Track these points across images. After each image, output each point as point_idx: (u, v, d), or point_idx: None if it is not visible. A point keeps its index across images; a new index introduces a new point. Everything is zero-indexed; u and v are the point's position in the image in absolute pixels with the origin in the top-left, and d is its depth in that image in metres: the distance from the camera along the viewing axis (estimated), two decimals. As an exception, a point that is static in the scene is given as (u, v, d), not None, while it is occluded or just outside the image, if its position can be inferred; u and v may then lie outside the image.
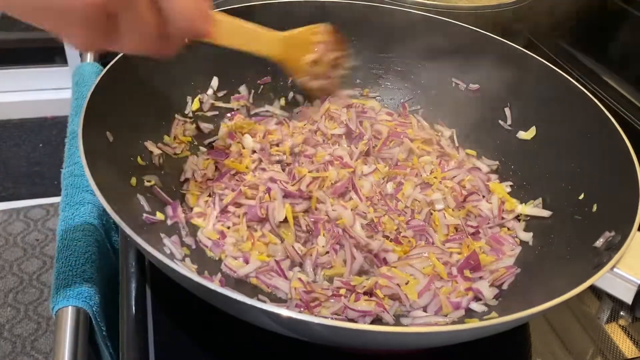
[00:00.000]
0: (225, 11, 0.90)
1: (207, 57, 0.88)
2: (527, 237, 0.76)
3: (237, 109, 0.93)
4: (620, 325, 0.72)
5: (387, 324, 0.65)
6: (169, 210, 0.74)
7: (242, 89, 0.94)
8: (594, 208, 0.69)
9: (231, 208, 0.77)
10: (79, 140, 0.63)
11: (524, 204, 0.80)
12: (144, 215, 0.70)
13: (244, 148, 0.85)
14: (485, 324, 0.50)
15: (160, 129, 0.83)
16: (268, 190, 0.76)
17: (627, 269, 0.56)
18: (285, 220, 0.74)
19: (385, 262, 0.72)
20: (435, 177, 0.83)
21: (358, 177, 0.82)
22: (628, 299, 0.57)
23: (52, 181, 2.40)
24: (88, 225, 0.83)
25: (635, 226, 0.59)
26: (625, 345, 0.69)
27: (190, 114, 0.87)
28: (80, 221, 0.83)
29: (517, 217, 0.80)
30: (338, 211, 0.75)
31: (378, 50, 0.98)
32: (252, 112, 0.95)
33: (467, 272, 0.71)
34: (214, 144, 0.87)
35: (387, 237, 0.75)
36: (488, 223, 0.79)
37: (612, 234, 0.62)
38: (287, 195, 0.76)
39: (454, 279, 0.70)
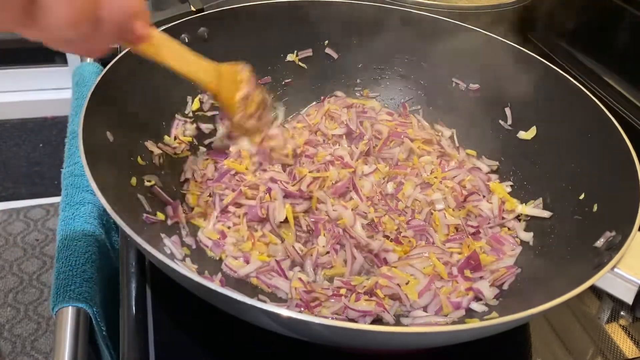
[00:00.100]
0: (231, 9, 0.90)
1: (206, 56, 0.88)
2: (528, 237, 0.76)
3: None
4: (620, 325, 0.72)
5: (387, 323, 0.65)
6: (169, 210, 0.74)
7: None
8: (595, 208, 0.69)
9: (231, 208, 0.76)
10: (79, 140, 0.63)
11: (524, 204, 0.80)
12: (144, 215, 0.70)
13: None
14: (485, 324, 0.50)
15: (161, 129, 0.83)
16: (268, 190, 0.76)
17: (627, 269, 0.56)
18: (286, 221, 0.74)
19: (385, 262, 0.72)
20: (435, 177, 0.83)
21: (359, 177, 0.82)
22: (628, 299, 0.57)
23: (52, 181, 2.40)
24: (88, 225, 0.83)
25: (636, 226, 0.59)
26: (625, 345, 0.69)
27: (191, 114, 0.87)
28: (81, 221, 0.83)
29: (518, 217, 0.80)
30: (338, 211, 0.75)
31: (378, 50, 0.98)
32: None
33: (467, 272, 0.71)
34: (212, 144, 0.87)
35: (387, 237, 0.75)
36: (488, 223, 0.79)
37: (613, 234, 0.62)
38: (287, 195, 0.76)
39: (454, 279, 0.70)
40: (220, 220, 0.76)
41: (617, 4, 1.10)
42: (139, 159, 0.76)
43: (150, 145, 0.79)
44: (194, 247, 0.72)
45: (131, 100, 0.77)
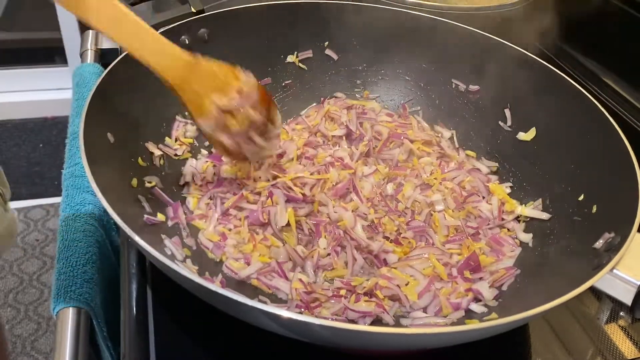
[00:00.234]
0: (231, 10, 0.90)
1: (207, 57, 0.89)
2: (527, 238, 0.76)
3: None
4: (619, 326, 0.72)
5: (387, 324, 0.65)
6: (170, 211, 0.74)
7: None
8: (594, 209, 0.69)
9: (232, 211, 0.77)
10: (80, 141, 0.63)
11: (523, 205, 0.81)
12: (145, 216, 0.70)
13: None
14: (485, 325, 0.50)
15: (161, 130, 0.83)
16: (270, 194, 0.75)
17: (626, 270, 0.56)
18: (288, 224, 0.74)
19: (385, 263, 0.72)
20: (435, 178, 0.83)
21: (359, 178, 0.82)
22: (628, 300, 0.57)
23: (52, 181, 2.40)
24: (89, 226, 0.83)
25: (635, 227, 0.59)
26: (625, 345, 0.70)
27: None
28: (81, 222, 0.84)
29: (517, 218, 0.80)
30: (339, 213, 0.75)
31: (378, 52, 0.98)
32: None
33: (467, 273, 0.71)
34: (212, 148, 0.87)
35: (387, 238, 0.75)
36: (488, 224, 0.79)
37: (612, 235, 0.62)
38: (290, 199, 0.75)
39: (454, 279, 0.70)
40: (221, 222, 0.76)
41: (617, 6, 1.11)
42: (139, 160, 0.76)
43: (150, 146, 0.79)
44: (194, 248, 0.73)
45: (132, 101, 0.78)
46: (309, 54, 0.98)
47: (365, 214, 0.77)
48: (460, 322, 0.66)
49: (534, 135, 0.85)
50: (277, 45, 0.96)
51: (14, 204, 2.31)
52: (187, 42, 0.86)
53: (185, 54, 0.66)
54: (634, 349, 0.69)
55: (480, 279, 0.71)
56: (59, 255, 0.79)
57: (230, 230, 0.75)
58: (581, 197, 0.72)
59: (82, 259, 0.78)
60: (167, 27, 0.85)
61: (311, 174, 0.79)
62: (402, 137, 0.88)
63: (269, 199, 0.75)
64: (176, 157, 0.82)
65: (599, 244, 0.63)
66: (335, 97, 0.99)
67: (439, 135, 0.94)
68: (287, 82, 0.97)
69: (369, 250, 0.72)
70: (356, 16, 0.96)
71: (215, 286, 0.49)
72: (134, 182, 0.73)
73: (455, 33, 0.92)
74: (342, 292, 0.67)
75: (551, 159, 0.81)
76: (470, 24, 0.93)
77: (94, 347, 0.77)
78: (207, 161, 0.83)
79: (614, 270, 0.56)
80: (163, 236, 0.70)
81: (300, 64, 0.98)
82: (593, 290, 0.55)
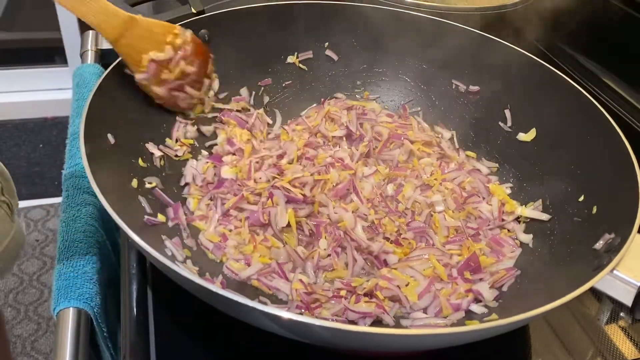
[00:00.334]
0: (231, 11, 0.90)
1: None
2: (527, 239, 0.76)
3: (238, 110, 0.93)
4: (620, 327, 0.72)
5: (387, 325, 0.65)
6: (170, 212, 0.74)
7: (243, 91, 0.94)
8: (594, 210, 0.69)
9: (233, 212, 0.77)
10: (81, 142, 0.63)
11: (524, 205, 0.81)
12: (145, 217, 0.70)
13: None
14: (485, 326, 0.50)
15: (162, 131, 0.83)
16: (270, 195, 0.75)
17: (626, 271, 0.57)
18: (288, 225, 0.74)
19: (385, 263, 0.72)
20: (435, 179, 0.83)
21: (359, 179, 0.82)
22: (628, 301, 0.57)
23: (52, 181, 2.40)
24: (89, 227, 0.83)
25: (635, 228, 0.59)
26: (625, 346, 0.70)
27: (192, 116, 0.88)
28: (82, 222, 0.84)
29: (517, 219, 0.80)
30: (339, 214, 0.75)
31: (378, 52, 0.98)
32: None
33: (467, 274, 0.71)
34: (213, 149, 0.87)
35: (387, 239, 0.75)
36: (488, 225, 0.79)
37: (612, 236, 0.62)
38: (290, 200, 0.75)
39: (454, 280, 0.70)
40: (222, 223, 0.76)
41: (617, 6, 1.11)
42: (140, 160, 0.76)
43: (151, 147, 0.79)
44: (195, 248, 0.73)
45: (132, 102, 0.78)
46: (309, 54, 0.98)
47: (366, 215, 0.77)
48: (460, 323, 0.66)
49: (534, 136, 0.85)
50: (278, 46, 0.96)
51: (14, 204, 2.30)
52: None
53: (123, 13, 0.72)
54: (634, 349, 0.69)
55: (481, 279, 0.71)
56: (60, 255, 0.79)
57: (230, 231, 0.75)
58: (581, 198, 0.72)
59: (82, 260, 0.78)
60: (167, 28, 0.85)
61: (311, 175, 0.79)
62: (402, 138, 0.88)
63: (270, 199, 0.75)
64: (176, 158, 0.82)
65: (599, 244, 0.63)
66: (336, 97, 0.99)
67: (439, 136, 0.94)
68: (287, 82, 0.97)
69: (369, 251, 0.72)
70: (356, 17, 0.96)
71: (215, 287, 0.49)
72: (135, 182, 0.73)
73: (456, 34, 0.92)
74: (343, 292, 0.67)
75: (551, 159, 0.81)
76: (470, 24, 0.93)
77: (94, 347, 0.77)
78: (207, 162, 0.83)
79: (614, 271, 0.56)
80: (163, 237, 0.70)
81: (301, 65, 0.98)
82: (593, 291, 0.55)
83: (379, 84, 1.00)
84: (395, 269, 0.71)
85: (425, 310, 0.68)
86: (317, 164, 0.83)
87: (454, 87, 0.95)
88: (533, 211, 0.78)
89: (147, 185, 0.75)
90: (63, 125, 2.52)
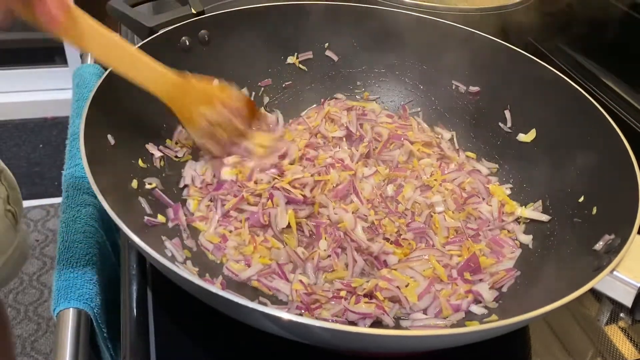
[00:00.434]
0: (231, 12, 0.90)
1: (207, 59, 0.89)
2: (527, 239, 0.76)
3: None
4: (620, 327, 0.72)
5: (387, 326, 0.65)
6: (170, 212, 0.74)
7: (244, 91, 0.94)
8: (594, 211, 0.69)
9: (233, 213, 0.76)
10: (81, 143, 0.63)
11: (523, 206, 0.81)
12: (145, 217, 0.70)
13: None
14: (485, 327, 0.50)
15: (162, 132, 0.83)
16: (271, 196, 0.75)
17: (626, 272, 0.56)
18: (288, 226, 0.74)
19: (385, 264, 0.72)
20: (435, 180, 0.83)
21: (359, 179, 0.82)
22: (628, 302, 0.57)
23: (52, 182, 2.40)
24: (89, 227, 0.83)
25: (635, 229, 0.59)
26: (625, 347, 0.70)
27: None
28: (82, 223, 0.84)
29: (517, 220, 0.80)
30: (339, 214, 0.75)
31: (378, 53, 0.98)
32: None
33: (467, 275, 0.71)
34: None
35: (387, 240, 0.75)
36: (488, 225, 0.79)
37: (612, 237, 0.62)
38: (290, 201, 0.75)
39: (454, 281, 0.70)
40: (222, 224, 0.76)
41: (617, 7, 1.11)
42: (140, 161, 0.76)
43: (151, 147, 0.79)
44: (195, 249, 0.73)
45: (132, 102, 0.77)
46: (309, 55, 0.98)
47: (366, 216, 0.77)
48: (460, 323, 0.66)
49: (534, 136, 0.85)
50: (278, 47, 0.96)
51: (13, 204, 2.30)
52: (187, 43, 0.86)
53: (175, 75, 0.74)
54: (634, 350, 0.69)
55: (480, 280, 0.71)
56: (59, 256, 0.79)
57: (230, 232, 0.75)
58: (581, 199, 0.72)
59: (82, 260, 0.78)
60: (167, 29, 0.85)
61: (311, 176, 0.79)
62: (402, 139, 0.88)
63: (270, 200, 0.75)
64: (177, 159, 0.82)
65: (599, 245, 0.63)
66: (336, 98, 0.99)
67: (439, 136, 0.94)
68: (287, 83, 0.97)
69: (369, 252, 0.72)
70: (356, 18, 0.96)
71: (215, 288, 0.49)
72: (134, 183, 0.73)
73: (455, 34, 0.92)
74: (343, 293, 0.67)
75: (551, 160, 0.81)
76: (470, 25, 0.93)
77: (94, 348, 0.77)
78: (206, 163, 0.83)
79: (614, 272, 0.56)
80: (163, 237, 0.70)
81: (301, 65, 0.98)
82: (593, 291, 0.55)
83: (379, 84, 1.00)
84: (395, 269, 0.71)
85: (425, 311, 0.68)
86: (318, 164, 0.83)
87: (454, 87, 0.95)
88: (533, 212, 0.78)
89: (147, 186, 0.75)
90: (63, 126, 2.51)
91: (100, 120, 0.69)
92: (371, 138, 0.89)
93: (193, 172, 0.81)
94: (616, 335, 0.71)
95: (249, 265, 0.71)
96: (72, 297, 0.73)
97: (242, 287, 0.69)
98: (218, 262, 0.72)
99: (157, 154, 0.79)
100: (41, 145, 2.60)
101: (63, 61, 2.71)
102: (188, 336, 0.65)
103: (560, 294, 0.53)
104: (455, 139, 0.93)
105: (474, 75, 0.93)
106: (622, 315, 0.73)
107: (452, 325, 0.66)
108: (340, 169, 0.82)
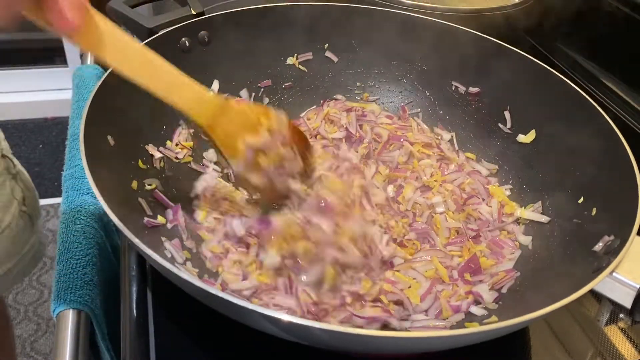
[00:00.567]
0: (231, 12, 0.90)
1: (207, 60, 0.89)
2: (527, 240, 0.76)
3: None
4: (619, 328, 0.72)
5: (394, 329, 0.64)
6: (170, 213, 0.74)
7: (243, 92, 0.94)
8: (593, 212, 0.69)
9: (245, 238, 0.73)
10: (80, 143, 0.63)
11: (523, 207, 0.81)
12: (145, 218, 0.70)
13: None
14: (485, 328, 0.50)
15: (162, 133, 0.83)
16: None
17: (626, 274, 0.56)
18: None
19: (391, 265, 0.71)
20: (435, 181, 0.84)
21: (371, 185, 0.79)
22: (627, 303, 0.57)
23: (52, 182, 2.40)
24: (89, 228, 0.83)
25: (635, 230, 0.59)
26: (624, 347, 0.70)
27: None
28: (81, 224, 0.84)
29: (517, 221, 0.80)
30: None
31: (378, 54, 0.98)
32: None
33: (467, 276, 0.71)
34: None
35: (394, 240, 0.74)
36: (488, 226, 0.79)
37: (612, 238, 0.62)
38: None
39: (454, 282, 0.70)
40: (229, 239, 0.73)
41: (617, 8, 1.11)
42: (139, 162, 0.76)
43: (151, 149, 0.79)
44: (194, 250, 0.72)
45: (132, 103, 0.77)
46: (308, 56, 0.98)
47: (375, 220, 0.75)
48: (460, 324, 0.66)
49: (533, 137, 0.85)
50: (277, 47, 0.96)
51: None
52: (187, 44, 0.86)
53: (216, 97, 0.65)
54: (634, 351, 0.69)
55: (481, 281, 0.71)
56: (59, 257, 0.79)
57: (236, 250, 0.72)
58: (581, 200, 0.72)
59: (82, 261, 0.78)
60: (167, 30, 0.85)
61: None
62: (402, 140, 0.88)
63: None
64: (177, 160, 0.82)
65: (598, 246, 0.63)
66: (335, 99, 0.99)
67: (439, 137, 0.94)
68: (287, 84, 0.97)
69: (382, 256, 0.71)
70: (356, 18, 0.96)
71: (215, 289, 0.49)
72: (134, 184, 0.73)
73: (455, 35, 0.92)
74: (349, 300, 0.66)
75: (551, 161, 0.81)
76: (470, 26, 0.93)
77: (94, 349, 0.77)
78: (219, 177, 0.81)
79: (614, 274, 0.56)
80: (163, 239, 0.70)
81: (300, 66, 0.98)
82: (593, 292, 0.55)
83: (378, 85, 1.00)
84: (397, 271, 0.71)
85: (425, 312, 0.68)
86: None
87: (453, 88, 0.95)
88: (532, 213, 0.79)
89: (147, 187, 0.75)
90: (63, 126, 2.51)
91: (100, 121, 0.69)
92: (371, 139, 0.89)
93: (205, 184, 0.79)
94: (616, 336, 0.71)
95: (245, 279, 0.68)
96: (71, 298, 0.73)
97: (242, 288, 0.69)
98: (214, 271, 0.70)
99: (157, 155, 0.79)
100: (41, 146, 2.60)
101: (63, 61, 2.72)
102: (188, 337, 0.65)
103: (560, 295, 0.53)
104: (455, 140, 0.93)
105: (474, 76, 0.93)
106: (621, 316, 0.73)
107: (452, 327, 0.66)
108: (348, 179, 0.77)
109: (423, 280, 0.70)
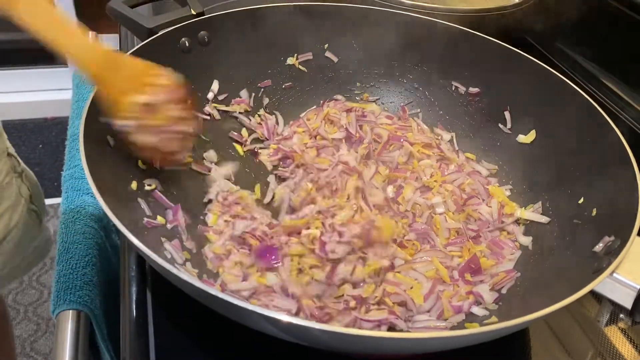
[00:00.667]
0: (231, 13, 0.90)
1: (207, 60, 0.89)
2: (527, 241, 0.76)
3: (241, 112, 0.92)
4: (619, 328, 0.72)
5: (400, 330, 0.64)
6: (170, 214, 0.74)
7: (243, 92, 0.94)
8: (594, 212, 0.69)
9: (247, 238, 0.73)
10: (80, 144, 0.63)
11: (523, 207, 0.81)
12: (145, 219, 0.70)
13: None
14: (485, 329, 0.50)
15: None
16: None
17: (626, 274, 0.56)
18: None
19: (392, 267, 0.71)
20: (435, 181, 0.83)
21: (369, 186, 0.79)
22: (627, 303, 0.57)
23: (52, 182, 2.40)
24: (88, 229, 0.84)
25: (635, 231, 0.59)
26: (624, 348, 0.70)
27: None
28: (81, 224, 0.84)
29: (517, 221, 0.80)
30: None
31: (378, 54, 0.98)
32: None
33: (467, 276, 0.71)
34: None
35: (394, 241, 0.74)
36: (488, 227, 0.79)
37: (612, 238, 0.62)
38: None
39: (455, 282, 0.70)
40: (234, 240, 0.73)
41: (617, 7, 1.11)
42: (139, 162, 0.76)
43: (151, 149, 0.79)
44: (194, 251, 0.72)
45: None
46: (308, 56, 0.98)
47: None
48: (460, 325, 0.66)
49: (533, 138, 0.85)
50: (277, 47, 0.96)
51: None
52: (187, 44, 0.86)
53: (107, 49, 0.66)
54: (634, 351, 0.69)
55: (481, 281, 0.71)
56: (59, 257, 0.79)
57: (238, 251, 0.72)
58: (581, 200, 0.72)
59: (81, 261, 0.78)
60: (167, 30, 0.85)
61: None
62: (401, 140, 0.88)
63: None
64: (176, 160, 0.82)
65: (598, 247, 0.63)
66: (335, 99, 0.98)
67: (439, 137, 0.94)
68: (287, 84, 0.97)
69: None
70: (356, 19, 0.96)
71: (215, 290, 0.49)
72: (134, 184, 0.73)
73: (455, 35, 0.92)
74: (352, 304, 0.66)
75: (551, 161, 0.81)
76: (470, 26, 0.93)
77: (94, 349, 0.77)
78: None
79: (614, 274, 0.56)
80: (163, 239, 0.70)
81: (300, 66, 0.98)
82: (593, 292, 0.55)
83: (378, 85, 1.00)
84: (398, 272, 0.70)
85: (428, 313, 0.68)
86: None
87: (453, 88, 0.95)
88: (532, 213, 0.78)
89: (147, 187, 0.74)
90: (63, 126, 2.51)
91: (100, 122, 0.69)
92: (371, 139, 0.89)
93: (218, 189, 0.79)
94: (616, 337, 0.71)
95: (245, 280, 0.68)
96: (71, 298, 0.73)
97: (241, 288, 0.69)
98: (215, 271, 0.70)
99: (157, 155, 0.79)
100: (41, 146, 2.60)
101: (63, 61, 2.71)
102: (187, 337, 0.65)
103: (560, 296, 0.53)
104: (455, 140, 0.93)
105: (474, 77, 0.93)
106: (621, 316, 0.73)
107: (453, 327, 0.66)
108: (346, 176, 0.79)
109: (424, 281, 0.69)
